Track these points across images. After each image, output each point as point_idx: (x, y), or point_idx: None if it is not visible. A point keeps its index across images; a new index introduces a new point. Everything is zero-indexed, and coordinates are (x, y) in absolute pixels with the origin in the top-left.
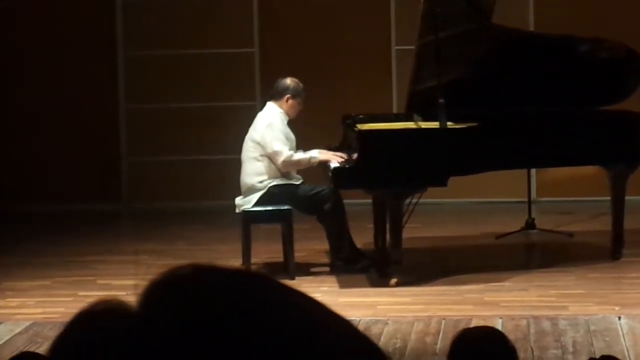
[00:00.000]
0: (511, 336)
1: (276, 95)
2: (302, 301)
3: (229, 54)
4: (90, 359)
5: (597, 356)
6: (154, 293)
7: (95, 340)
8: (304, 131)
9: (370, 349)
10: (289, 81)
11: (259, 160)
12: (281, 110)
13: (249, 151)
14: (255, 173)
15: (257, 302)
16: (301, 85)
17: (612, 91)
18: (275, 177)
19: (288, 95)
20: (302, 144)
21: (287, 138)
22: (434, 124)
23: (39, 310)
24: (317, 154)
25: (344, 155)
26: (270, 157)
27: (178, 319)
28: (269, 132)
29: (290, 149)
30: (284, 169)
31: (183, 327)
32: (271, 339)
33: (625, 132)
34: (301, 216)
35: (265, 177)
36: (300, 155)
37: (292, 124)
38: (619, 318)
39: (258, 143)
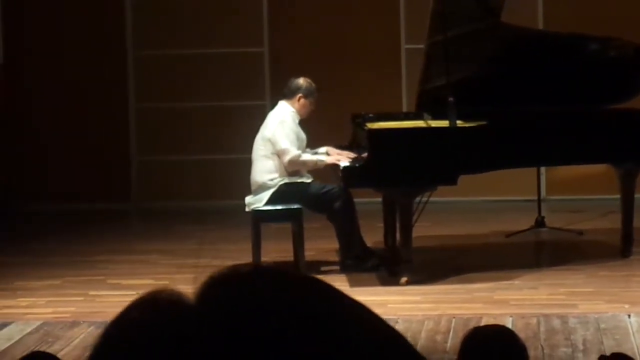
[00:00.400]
0: (521, 334)
1: (288, 95)
2: (355, 307)
3: (239, 53)
4: (143, 345)
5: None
6: (213, 288)
7: (149, 327)
8: (313, 130)
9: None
10: (301, 81)
11: (269, 158)
12: (293, 110)
13: (260, 149)
14: (266, 171)
15: (313, 305)
16: (314, 85)
17: (622, 90)
18: (286, 175)
19: (300, 95)
20: (312, 143)
21: (298, 137)
22: (444, 123)
23: (50, 309)
24: (325, 158)
25: (351, 155)
26: (278, 155)
27: (234, 315)
28: (280, 129)
29: (299, 149)
30: (290, 168)
31: (238, 323)
32: (324, 344)
33: (634, 130)
34: (311, 215)
35: (276, 175)
36: (307, 157)
37: (302, 122)
38: (629, 316)
39: (269, 140)
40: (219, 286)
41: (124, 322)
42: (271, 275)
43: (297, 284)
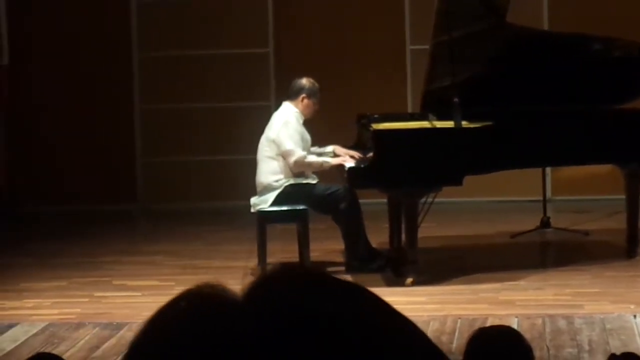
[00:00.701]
0: (527, 335)
1: (292, 95)
2: (401, 319)
3: (244, 54)
4: (187, 337)
5: None
6: (262, 287)
7: (195, 320)
8: (319, 130)
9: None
10: (304, 81)
11: (274, 160)
12: (297, 110)
13: (265, 150)
14: (270, 172)
15: (358, 313)
16: (317, 85)
17: (626, 90)
18: (291, 176)
19: (303, 95)
20: (317, 143)
21: (302, 138)
22: (449, 123)
23: (55, 311)
24: (330, 160)
25: (356, 155)
26: (283, 156)
27: (280, 315)
28: (284, 130)
29: (304, 149)
30: (295, 169)
31: (284, 323)
32: (367, 352)
33: (639, 130)
34: (317, 216)
35: (281, 176)
36: (313, 158)
37: (306, 123)
38: (635, 316)
39: (273, 141)
40: (268, 285)
41: (170, 313)
42: (320, 280)
43: (344, 291)
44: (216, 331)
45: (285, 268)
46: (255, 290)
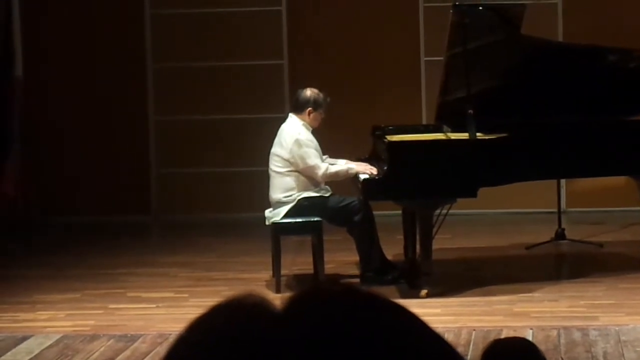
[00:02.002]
0: (542, 347)
1: (298, 108)
2: (438, 340)
3: (258, 66)
4: (226, 346)
5: None
6: (303, 300)
7: (234, 328)
8: (333, 142)
9: None
10: (309, 93)
11: (286, 176)
12: (303, 123)
13: (276, 166)
14: (282, 189)
15: (399, 333)
16: (321, 94)
17: None
18: (304, 190)
19: (310, 109)
20: (332, 155)
21: (316, 149)
22: (464, 135)
23: (69, 323)
24: (354, 166)
25: (374, 169)
26: (306, 172)
27: (320, 329)
28: (298, 149)
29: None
30: (323, 181)
31: (323, 338)
32: None
33: None
34: (331, 228)
35: (293, 191)
36: (337, 167)
37: (321, 135)
38: None
39: (287, 160)
40: (309, 299)
41: (209, 321)
42: (361, 297)
43: (384, 309)
44: (255, 341)
45: (326, 283)
46: (296, 303)
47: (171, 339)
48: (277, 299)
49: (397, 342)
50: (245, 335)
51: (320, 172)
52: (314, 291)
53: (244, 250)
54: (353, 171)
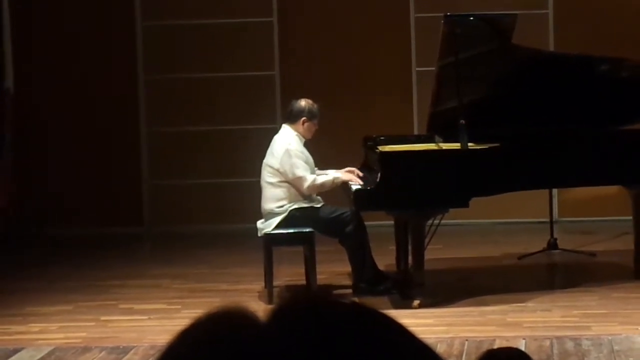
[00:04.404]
0: (535, 357)
1: (292, 118)
2: (422, 347)
3: (250, 77)
4: (211, 356)
5: None
6: (288, 311)
7: (220, 339)
8: (325, 153)
9: None
10: (303, 103)
11: (277, 187)
12: (296, 133)
13: (268, 177)
14: (274, 199)
15: (382, 340)
16: (316, 105)
17: (634, 110)
18: (296, 201)
19: (304, 119)
20: (323, 166)
21: (307, 161)
22: (455, 145)
23: (61, 335)
24: (340, 174)
25: (360, 173)
26: (294, 183)
27: (305, 340)
28: (287, 160)
29: (310, 172)
30: (309, 193)
31: (308, 348)
32: None
33: None
34: (323, 238)
35: (285, 202)
36: (323, 178)
37: (313, 145)
38: None
39: (277, 170)
40: (294, 311)
41: (194, 333)
42: (346, 308)
43: (369, 320)
44: (240, 353)
45: (310, 293)
46: (281, 314)
47: None
48: (269, 310)
49: (384, 354)
50: (229, 347)
51: (306, 184)
52: (299, 303)
53: (236, 262)
54: (339, 180)
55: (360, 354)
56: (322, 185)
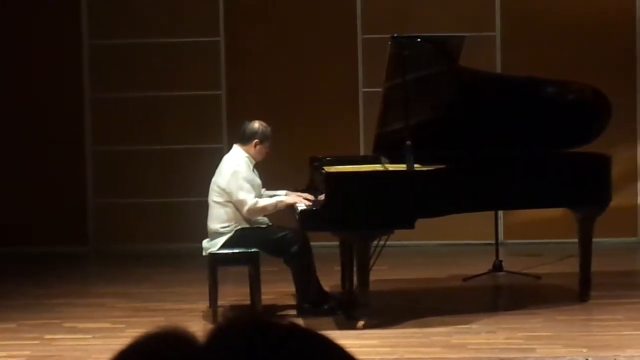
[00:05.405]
0: None
1: (244, 140)
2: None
3: (196, 96)
4: None
5: None
6: (224, 332)
7: (160, 357)
8: (271, 173)
9: None
10: (257, 125)
11: (224, 206)
12: (247, 155)
13: (215, 196)
14: (220, 219)
15: (314, 358)
16: (269, 128)
17: (580, 133)
18: (242, 222)
19: (256, 141)
20: (270, 185)
21: (253, 185)
22: (401, 166)
23: (4, 353)
24: (284, 198)
25: (311, 197)
26: (236, 205)
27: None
28: (234, 181)
29: (256, 195)
30: (250, 217)
31: None
32: None
33: (593, 174)
34: (268, 258)
35: (230, 223)
36: (266, 202)
37: (259, 165)
38: None
39: (224, 190)
40: (230, 332)
41: (133, 353)
42: (282, 329)
43: (306, 341)
44: None
45: (248, 314)
46: (218, 336)
47: None
48: (208, 331)
49: None
50: None
51: (246, 207)
52: (237, 324)
53: (181, 281)
54: (282, 204)
55: None
56: (264, 208)
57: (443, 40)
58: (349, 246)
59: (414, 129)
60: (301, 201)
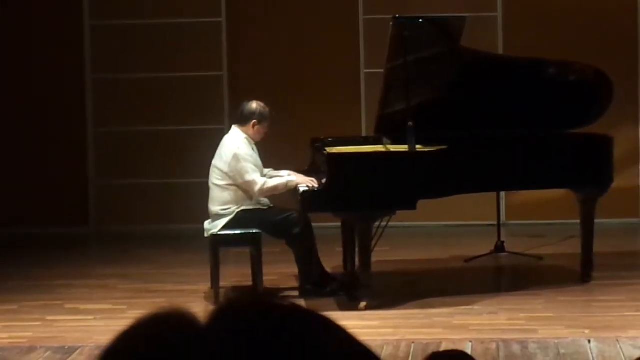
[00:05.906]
0: None
1: (242, 120)
2: (359, 346)
3: (197, 77)
4: (150, 357)
5: None
6: (225, 313)
7: (158, 342)
8: (273, 154)
9: None
10: (254, 105)
11: (225, 189)
12: (246, 136)
13: (215, 179)
14: (221, 202)
15: (315, 340)
16: (267, 108)
17: (582, 114)
18: (243, 203)
19: (254, 121)
20: (270, 167)
21: (255, 164)
22: (403, 147)
23: (5, 335)
24: (294, 178)
25: (317, 183)
26: (244, 187)
27: (241, 342)
28: (237, 164)
29: (260, 174)
30: (261, 196)
31: (248, 351)
32: None
33: (594, 155)
34: (270, 240)
35: (231, 205)
36: (276, 181)
37: (261, 146)
38: (589, 341)
39: (226, 174)
40: (232, 313)
41: (133, 334)
42: (284, 310)
43: (309, 322)
44: (178, 355)
45: (250, 296)
46: (219, 317)
47: None
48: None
49: (322, 356)
50: (168, 349)
51: (257, 187)
52: (238, 305)
53: (182, 262)
54: (293, 184)
55: (298, 357)
56: (275, 188)
57: (444, 21)
58: (351, 227)
59: (416, 110)
60: (309, 182)
